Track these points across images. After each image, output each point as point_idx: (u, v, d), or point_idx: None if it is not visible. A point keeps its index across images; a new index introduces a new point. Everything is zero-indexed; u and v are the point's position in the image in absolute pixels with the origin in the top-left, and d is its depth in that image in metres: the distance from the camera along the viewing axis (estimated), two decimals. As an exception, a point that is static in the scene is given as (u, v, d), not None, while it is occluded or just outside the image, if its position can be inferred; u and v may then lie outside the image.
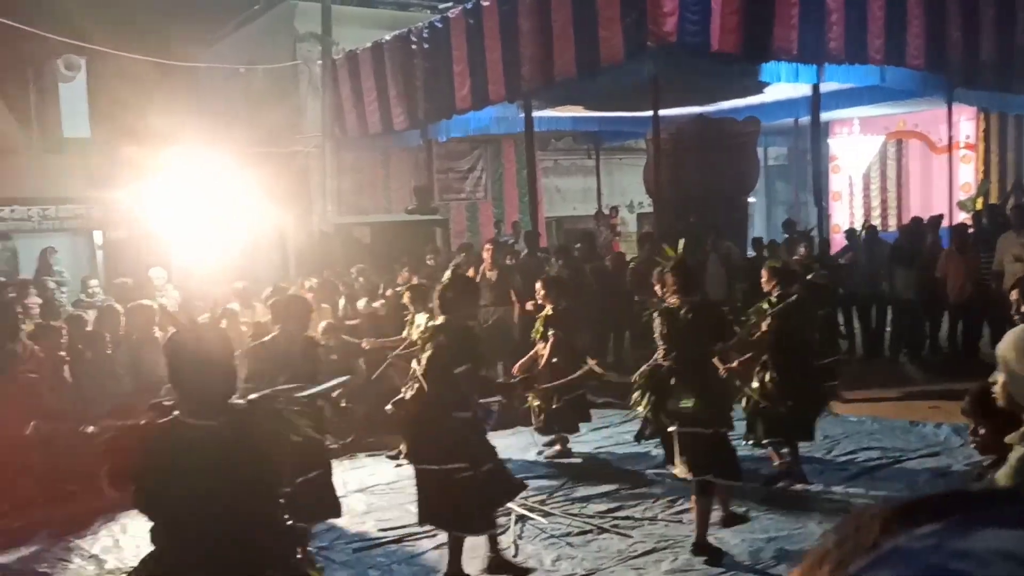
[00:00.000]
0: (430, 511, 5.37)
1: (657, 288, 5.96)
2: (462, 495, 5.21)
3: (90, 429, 7.22)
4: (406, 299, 7.68)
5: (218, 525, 2.91)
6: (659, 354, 5.73)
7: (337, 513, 5.71)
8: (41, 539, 6.58)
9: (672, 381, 5.64)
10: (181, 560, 2.95)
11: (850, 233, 12.60)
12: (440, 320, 5.39)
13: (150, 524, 3.06)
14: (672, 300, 5.68)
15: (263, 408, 3.21)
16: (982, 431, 3.17)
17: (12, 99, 14.87)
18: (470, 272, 9.84)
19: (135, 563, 5.90)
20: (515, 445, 8.20)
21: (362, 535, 6.37)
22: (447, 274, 6.66)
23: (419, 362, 5.58)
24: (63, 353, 7.85)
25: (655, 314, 5.75)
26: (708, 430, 5.55)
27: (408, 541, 6.15)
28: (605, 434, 8.67)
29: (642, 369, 5.91)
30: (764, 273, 7.00)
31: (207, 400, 3.00)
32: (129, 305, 8.67)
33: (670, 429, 5.71)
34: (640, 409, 5.92)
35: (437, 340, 5.30)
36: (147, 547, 6.04)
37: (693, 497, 5.76)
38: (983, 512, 0.59)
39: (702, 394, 5.55)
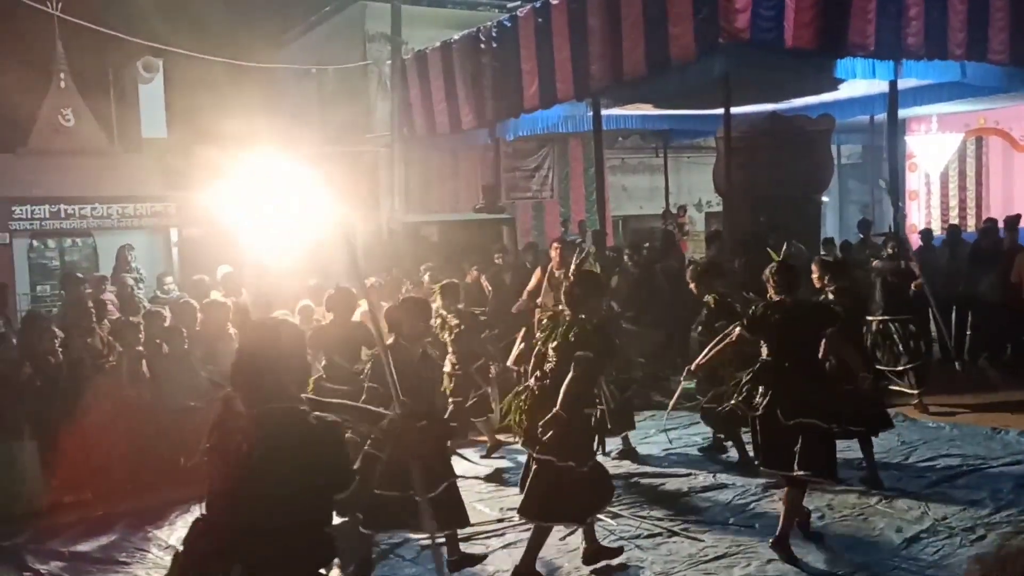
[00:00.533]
0: (541, 503, 5.32)
1: (770, 288, 5.92)
2: (574, 490, 5.26)
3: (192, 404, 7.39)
4: (436, 298, 7.74)
5: (258, 513, 2.94)
6: (764, 352, 5.75)
7: (464, 523, 5.64)
8: (121, 528, 6.76)
9: (783, 376, 5.63)
10: (222, 535, 2.99)
11: (926, 234, 12.28)
12: (570, 317, 5.40)
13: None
14: (776, 299, 5.80)
15: (324, 418, 3.19)
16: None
17: (93, 101, 15.31)
18: (537, 272, 9.84)
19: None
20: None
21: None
22: (572, 271, 6.73)
23: (541, 359, 5.57)
24: (140, 348, 8.05)
25: (761, 307, 5.83)
26: (825, 424, 5.52)
27: (476, 539, 6.16)
28: (673, 435, 8.58)
29: (754, 368, 5.82)
30: (814, 268, 6.92)
31: (266, 392, 3.03)
32: (204, 301, 8.86)
33: (790, 422, 5.55)
34: (751, 403, 5.77)
35: (574, 336, 5.29)
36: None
37: (785, 491, 5.68)
38: None
39: (813, 388, 5.56)
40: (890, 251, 9.91)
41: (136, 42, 14.90)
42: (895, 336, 9.13)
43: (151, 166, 15.00)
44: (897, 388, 9.14)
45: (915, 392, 9.10)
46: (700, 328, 7.60)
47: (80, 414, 7.44)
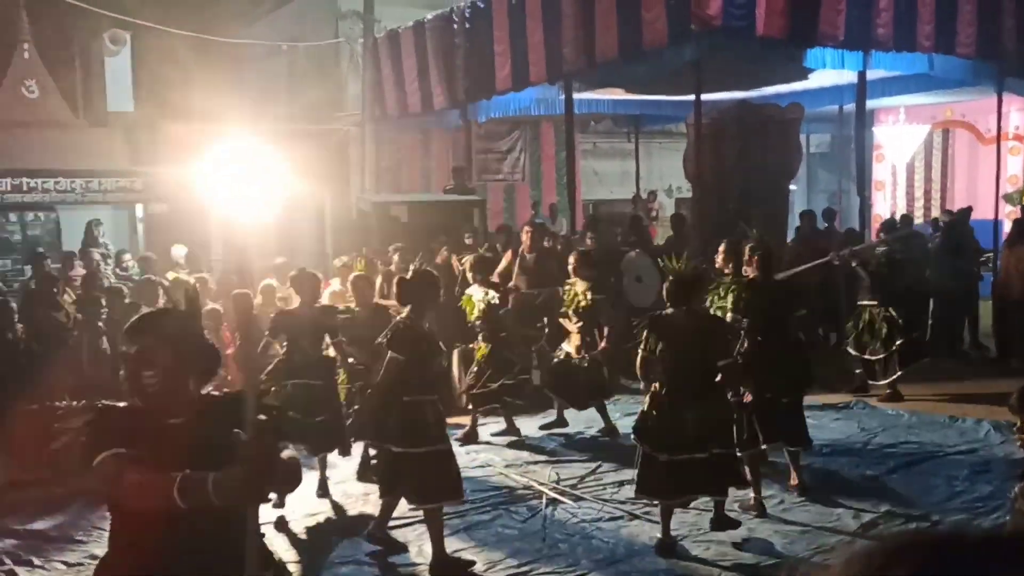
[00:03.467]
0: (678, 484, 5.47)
1: (748, 269, 6.31)
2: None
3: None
4: (468, 270, 7.79)
5: (175, 522, 2.52)
6: (749, 332, 6.16)
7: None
8: (78, 507, 6.66)
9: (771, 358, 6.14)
10: (138, 561, 2.60)
11: (889, 224, 12.38)
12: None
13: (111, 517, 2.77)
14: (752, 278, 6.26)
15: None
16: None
17: (58, 73, 15.03)
18: (507, 254, 9.81)
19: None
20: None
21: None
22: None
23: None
24: (102, 324, 7.94)
25: (736, 288, 6.16)
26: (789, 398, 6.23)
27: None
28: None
29: (743, 351, 6.13)
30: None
31: (168, 392, 2.68)
32: (171, 280, 8.76)
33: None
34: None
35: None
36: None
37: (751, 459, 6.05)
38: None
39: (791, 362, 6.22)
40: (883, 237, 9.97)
41: (103, 14, 14.63)
42: (882, 322, 9.10)
43: (117, 140, 14.77)
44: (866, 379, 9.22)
45: (888, 380, 9.13)
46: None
47: (41, 391, 7.32)
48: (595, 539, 5.78)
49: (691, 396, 5.39)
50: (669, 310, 5.56)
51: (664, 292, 5.65)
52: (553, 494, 6.49)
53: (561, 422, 8.35)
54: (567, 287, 8.04)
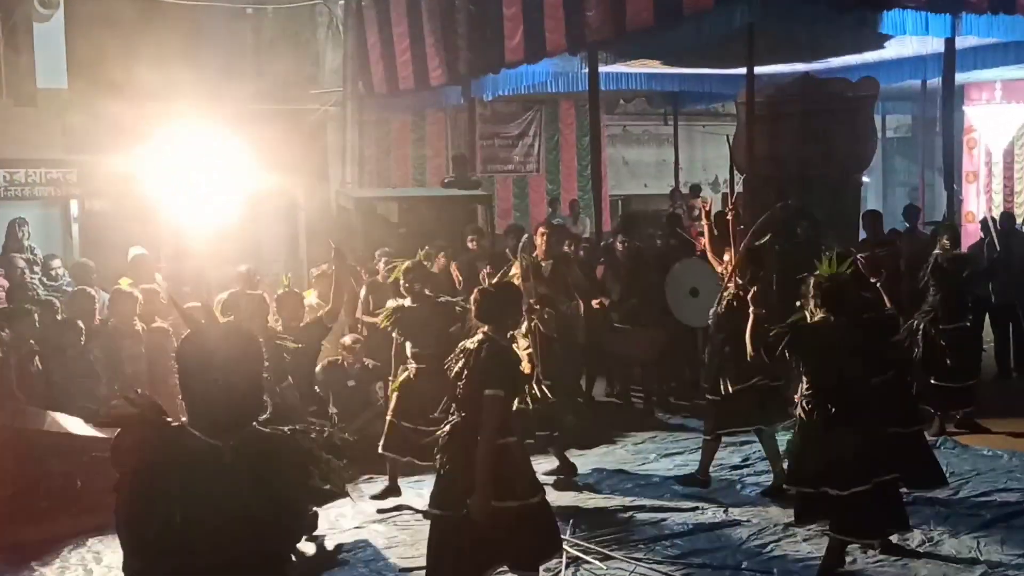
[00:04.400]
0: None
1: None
2: None
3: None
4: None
5: (205, 562, 2.89)
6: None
7: None
8: (3, 564, 6.70)
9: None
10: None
11: (984, 224, 12.37)
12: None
13: (124, 550, 3.02)
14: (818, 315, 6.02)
15: (291, 443, 3.21)
16: None
17: (-23, 41, 15.16)
18: (515, 263, 9.83)
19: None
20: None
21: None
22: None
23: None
24: (33, 343, 8.00)
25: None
26: None
27: None
28: (678, 461, 8.61)
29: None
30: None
31: (215, 416, 2.98)
32: (113, 290, 8.81)
33: None
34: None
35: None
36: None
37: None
38: None
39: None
40: (945, 243, 9.93)
41: (32, -29, 14.76)
42: (945, 346, 9.12)
43: (48, 123, 14.85)
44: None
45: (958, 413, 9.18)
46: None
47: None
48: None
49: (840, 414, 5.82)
50: (816, 318, 5.91)
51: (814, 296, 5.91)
52: (575, 551, 6.47)
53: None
54: None
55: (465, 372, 5.14)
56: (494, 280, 6.13)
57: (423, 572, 5.50)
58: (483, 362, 5.07)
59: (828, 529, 6.12)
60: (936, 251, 9.61)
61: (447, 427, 5.26)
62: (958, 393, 9.23)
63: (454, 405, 5.27)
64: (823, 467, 5.89)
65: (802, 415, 6.03)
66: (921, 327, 9.25)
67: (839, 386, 5.89)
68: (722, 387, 7.49)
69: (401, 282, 7.84)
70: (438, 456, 5.27)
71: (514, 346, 5.56)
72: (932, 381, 9.12)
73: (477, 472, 4.92)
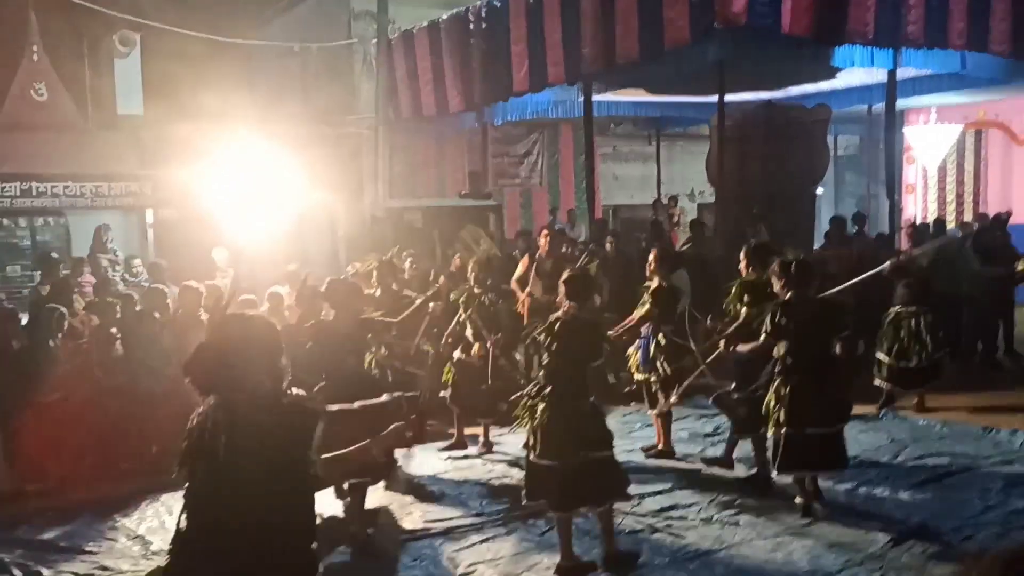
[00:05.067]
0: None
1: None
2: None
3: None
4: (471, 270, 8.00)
5: (244, 517, 2.94)
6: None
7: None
8: (87, 517, 6.75)
9: (799, 381, 6.05)
10: (207, 546, 2.99)
11: (921, 229, 12.32)
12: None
13: (183, 502, 3.12)
14: (785, 296, 6.14)
15: (313, 411, 3.22)
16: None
17: (67, 75, 15.17)
18: (524, 260, 9.83)
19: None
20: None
21: (409, 527, 6.44)
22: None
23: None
24: (114, 330, 8.04)
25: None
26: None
27: (455, 533, 6.19)
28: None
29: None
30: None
31: (249, 389, 3.02)
32: (183, 285, 8.85)
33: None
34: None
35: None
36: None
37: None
38: None
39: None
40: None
41: (113, 15, 14.78)
42: (912, 329, 9.06)
43: (126, 143, 14.89)
44: (885, 385, 9.16)
45: (920, 390, 9.10)
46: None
47: (47, 399, 7.41)
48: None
49: (813, 376, 5.98)
50: (789, 295, 6.05)
51: (785, 278, 6.08)
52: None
53: None
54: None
55: (557, 343, 5.33)
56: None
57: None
58: (577, 333, 5.31)
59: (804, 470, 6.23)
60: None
61: (540, 390, 5.46)
62: (914, 373, 9.10)
63: (546, 372, 5.43)
64: (804, 412, 6.00)
65: (779, 378, 6.11)
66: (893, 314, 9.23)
67: (809, 351, 6.03)
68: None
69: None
70: (538, 413, 5.41)
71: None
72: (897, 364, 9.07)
73: (591, 427, 5.30)
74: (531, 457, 5.47)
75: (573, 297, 5.47)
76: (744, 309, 6.70)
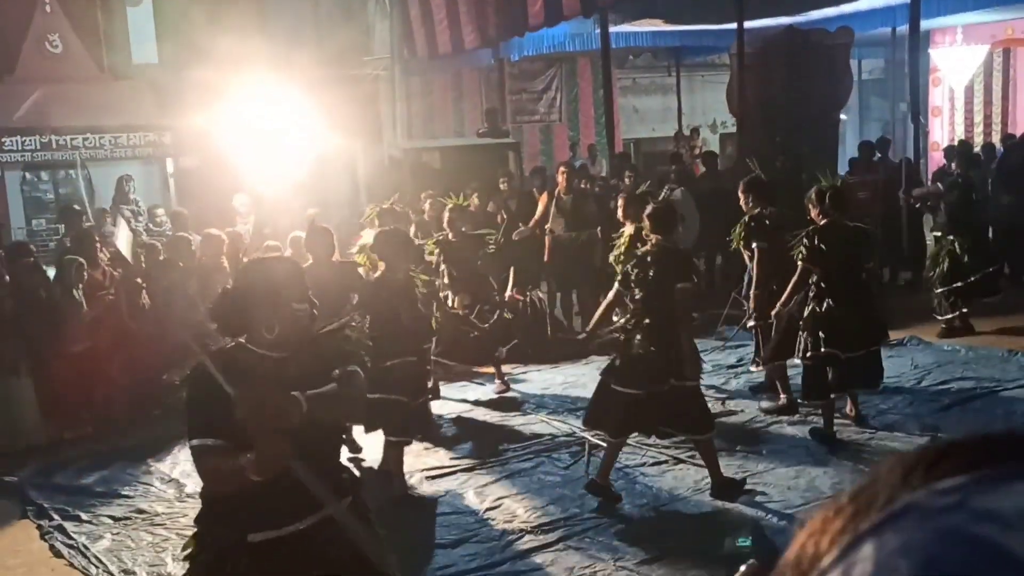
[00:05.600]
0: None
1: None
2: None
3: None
4: (620, 211, 7.59)
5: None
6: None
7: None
8: (122, 462, 6.92)
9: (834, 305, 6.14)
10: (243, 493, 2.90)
11: (949, 151, 12.16)
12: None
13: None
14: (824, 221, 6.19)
15: (334, 344, 3.23)
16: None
17: (81, 25, 15.12)
18: (543, 197, 9.80)
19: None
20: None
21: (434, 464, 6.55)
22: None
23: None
24: (140, 280, 8.14)
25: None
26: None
27: (480, 469, 6.30)
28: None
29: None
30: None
31: (273, 330, 2.96)
32: (205, 232, 8.91)
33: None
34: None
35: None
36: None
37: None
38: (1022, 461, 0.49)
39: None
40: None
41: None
42: (964, 253, 9.00)
43: (143, 92, 14.90)
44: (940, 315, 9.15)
45: (957, 313, 9.05)
46: None
47: (78, 348, 7.55)
48: (639, 484, 5.87)
49: (845, 297, 6.04)
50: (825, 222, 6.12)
51: (820, 205, 6.13)
52: (595, 440, 6.56)
53: None
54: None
55: (651, 272, 5.43)
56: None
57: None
58: (667, 262, 5.43)
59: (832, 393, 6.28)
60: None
61: (632, 320, 5.55)
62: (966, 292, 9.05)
63: (639, 302, 5.50)
64: (833, 336, 6.09)
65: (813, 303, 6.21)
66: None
67: (842, 275, 6.15)
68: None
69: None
70: (634, 344, 5.49)
71: None
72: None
73: (685, 352, 5.38)
74: (612, 385, 5.57)
75: (659, 230, 5.56)
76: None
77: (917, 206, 10.47)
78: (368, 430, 6.11)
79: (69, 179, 14.49)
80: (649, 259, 5.50)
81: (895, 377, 7.68)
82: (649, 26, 15.01)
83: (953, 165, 11.07)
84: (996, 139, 16.08)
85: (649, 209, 5.75)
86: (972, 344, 8.60)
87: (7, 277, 8.06)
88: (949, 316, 9.05)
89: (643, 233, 5.79)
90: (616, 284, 5.82)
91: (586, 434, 6.48)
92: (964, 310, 8.99)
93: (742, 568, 0.82)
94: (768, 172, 7.79)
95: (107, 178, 13.79)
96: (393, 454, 6.02)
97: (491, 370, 8.25)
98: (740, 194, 6.92)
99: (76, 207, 11.05)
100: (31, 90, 14.08)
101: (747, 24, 11.21)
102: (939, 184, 10.20)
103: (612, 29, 12.96)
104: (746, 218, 6.85)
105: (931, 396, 7.23)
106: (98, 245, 8.76)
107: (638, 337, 5.45)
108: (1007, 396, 7.09)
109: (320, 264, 6.34)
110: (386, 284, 6.13)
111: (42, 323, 7.58)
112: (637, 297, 5.53)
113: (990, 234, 10.79)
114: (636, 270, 5.53)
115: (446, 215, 7.94)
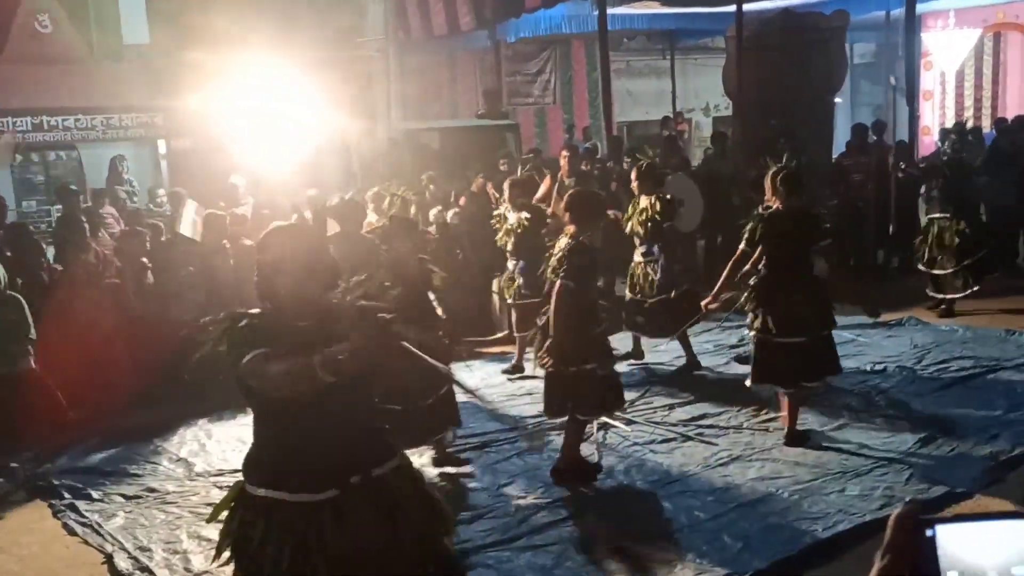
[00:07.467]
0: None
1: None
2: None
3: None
4: (635, 185, 7.66)
5: (315, 421, 2.92)
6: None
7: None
8: (130, 442, 6.93)
9: (777, 288, 5.97)
10: (281, 453, 3.00)
11: (944, 133, 12.26)
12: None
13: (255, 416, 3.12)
14: (777, 206, 6.00)
15: (363, 315, 3.21)
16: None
17: (70, 5, 15.01)
18: (546, 180, 9.81)
19: (222, 467, 6.23)
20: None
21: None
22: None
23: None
24: (145, 260, 8.13)
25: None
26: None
27: (493, 447, 6.36)
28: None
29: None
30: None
31: (299, 298, 3.01)
32: (207, 212, 8.90)
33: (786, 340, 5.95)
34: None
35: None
36: (232, 452, 6.32)
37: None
38: None
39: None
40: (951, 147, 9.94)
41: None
42: (953, 236, 9.08)
43: (135, 73, 14.82)
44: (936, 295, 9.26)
45: (962, 294, 9.14)
46: None
47: (80, 330, 7.54)
48: (649, 461, 5.95)
49: (792, 283, 6.00)
50: (777, 206, 6.02)
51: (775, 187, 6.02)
52: (604, 418, 6.63)
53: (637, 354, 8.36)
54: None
55: (787, 232, 5.91)
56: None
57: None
58: (800, 222, 5.95)
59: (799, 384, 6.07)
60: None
61: (768, 279, 5.96)
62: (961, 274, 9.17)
63: (775, 260, 5.93)
64: (779, 321, 5.91)
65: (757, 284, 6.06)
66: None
67: (792, 259, 6.03)
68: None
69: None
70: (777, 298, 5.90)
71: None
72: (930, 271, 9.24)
73: (825, 306, 6.03)
74: (773, 338, 5.89)
75: (789, 194, 5.92)
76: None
77: (916, 175, 10.53)
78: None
79: (60, 161, 14.42)
80: (780, 220, 5.89)
81: (895, 356, 7.80)
82: (645, 8, 15.03)
83: (946, 144, 11.18)
84: (986, 123, 16.23)
85: (779, 175, 5.96)
86: (970, 324, 8.71)
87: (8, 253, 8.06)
88: (959, 296, 9.16)
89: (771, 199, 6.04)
90: (743, 244, 6.06)
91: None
92: (976, 288, 9.09)
93: (898, 508, 0.88)
94: (768, 154, 7.81)
95: (99, 159, 13.74)
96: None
97: (500, 348, 8.34)
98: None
99: (72, 186, 11.00)
100: (21, 70, 13.98)
101: (744, 7, 11.24)
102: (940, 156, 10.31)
103: (608, 11, 12.97)
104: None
105: (932, 375, 7.33)
106: (86, 227, 8.71)
107: (778, 293, 5.88)
108: (1007, 374, 7.20)
109: (349, 236, 6.45)
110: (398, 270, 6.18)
111: (44, 303, 7.57)
112: (770, 254, 5.92)
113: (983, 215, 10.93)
114: (769, 231, 5.89)
115: (506, 190, 8.03)
